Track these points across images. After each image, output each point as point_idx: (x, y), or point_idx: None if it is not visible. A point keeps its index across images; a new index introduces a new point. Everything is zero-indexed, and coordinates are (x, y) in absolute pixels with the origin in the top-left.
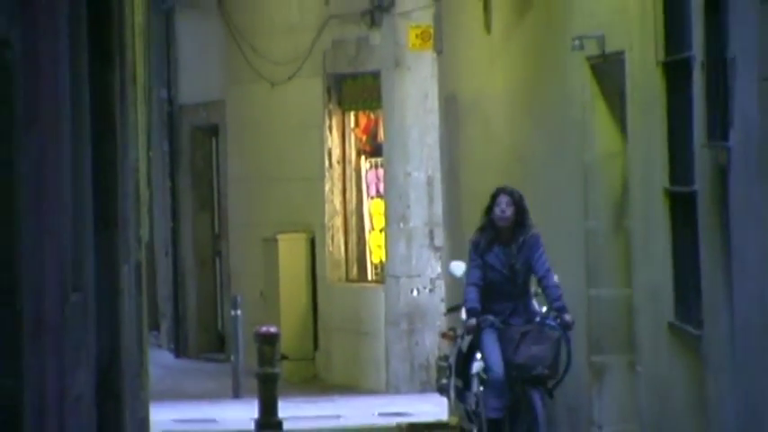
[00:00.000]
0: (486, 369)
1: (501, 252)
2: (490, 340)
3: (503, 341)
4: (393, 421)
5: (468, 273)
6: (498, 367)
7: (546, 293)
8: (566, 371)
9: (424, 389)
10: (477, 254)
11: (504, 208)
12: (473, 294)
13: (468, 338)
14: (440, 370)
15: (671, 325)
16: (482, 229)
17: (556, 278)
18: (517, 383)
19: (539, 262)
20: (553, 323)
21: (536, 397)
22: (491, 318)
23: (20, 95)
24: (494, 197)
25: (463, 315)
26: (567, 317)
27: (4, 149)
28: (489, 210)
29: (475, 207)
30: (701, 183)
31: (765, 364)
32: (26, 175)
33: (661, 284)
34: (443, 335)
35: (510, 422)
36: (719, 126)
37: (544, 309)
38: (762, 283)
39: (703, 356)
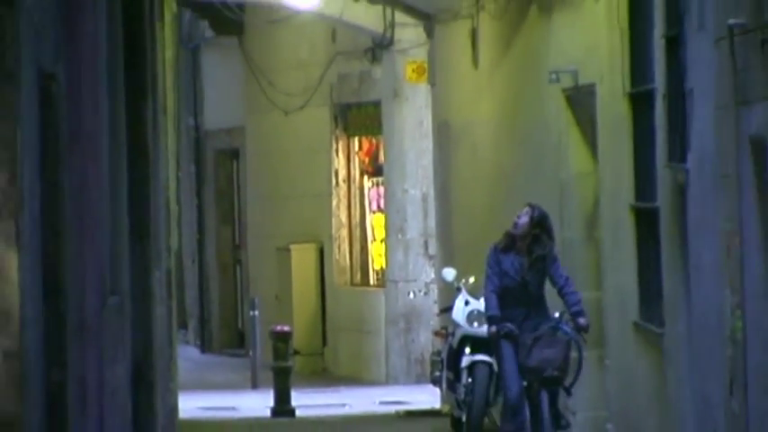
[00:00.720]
0: (502, 386)
1: (515, 260)
2: (509, 356)
3: (518, 347)
4: (392, 409)
5: (486, 280)
6: (513, 389)
7: (565, 300)
8: (579, 370)
9: (419, 380)
10: (494, 260)
11: (522, 216)
12: (493, 302)
13: (458, 335)
14: (433, 364)
15: (636, 324)
16: (504, 236)
17: (574, 286)
18: (532, 385)
19: (556, 273)
20: (566, 327)
21: (544, 398)
22: (509, 325)
23: (64, 123)
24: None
25: (450, 317)
26: (582, 320)
27: (51, 170)
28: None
29: (464, 220)
30: (663, 199)
31: (717, 358)
32: (70, 192)
33: (627, 288)
34: (436, 333)
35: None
36: (679, 149)
37: (557, 314)
38: (715, 287)
39: (664, 351)
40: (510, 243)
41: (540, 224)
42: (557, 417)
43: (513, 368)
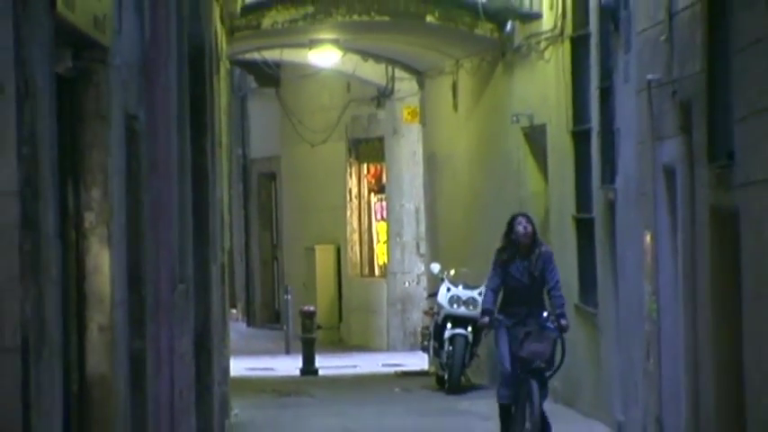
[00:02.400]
0: (499, 363)
1: (521, 264)
2: (503, 340)
3: (511, 338)
4: (392, 370)
5: (489, 279)
6: (508, 363)
7: (552, 301)
8: (560, 364)
9: (412, 348)
10: (500, 265)
11: (526, 225)
12: (489, 297)
13: (442, 314)
14: (423, 336)
15: (576, 306)
16: (504, 247)
17: (561, 291)
18: (521, 373)
19: (551, 274)
20: (551, 326)
21: (534, 385)
22: (500, 317)
23: (144, 153)
24: (511, 221)
25: (436, 300)
26: (564, 321)
27: (133, 188)
28: (509, 231)
29: (446, 227)
30: (597, 212)
31: (638, 332)
32: (148, 205)
33: (570, 279)
34: (425, 312)
35: (515, 405)
36: (609, 174)
37: (545, 314)
38: (636, 279)
39: (598, 327)
40: (515, 250)
41: (534, 229)
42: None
43: (506, 348)
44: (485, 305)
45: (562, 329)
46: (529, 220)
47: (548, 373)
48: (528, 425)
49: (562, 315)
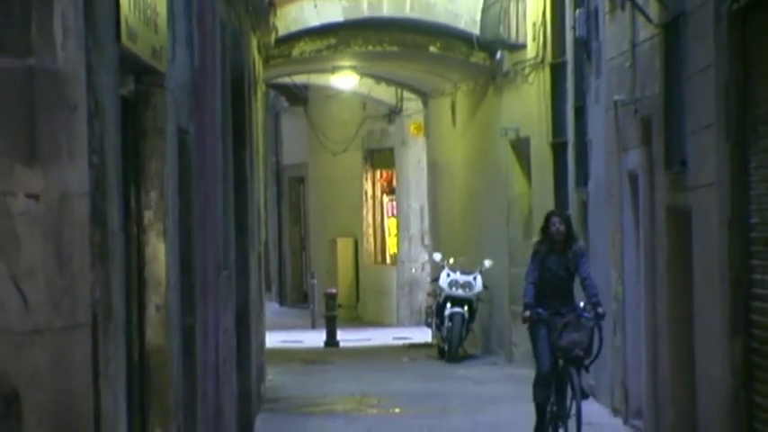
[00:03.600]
0: (537, 361)
1: (557, 259)
2: (542, 337)
3: (549, 329)
4: (401, 342)
5: (528, 273)
6: (546, 363)
7: (586, 292)
8: (598, 352)
9: (417, 324)
10: (538, 259)
11: (558, 226)
12: (530, 291)
13: (443, 295)
14: (427, 314)
15: None
16: (541, 242)
17: (594, 281)
18: (562, 363)
19: (583, 267)
20: (588, 315)
21: (573, 373)
22: (540, 311)
23: (194, 161)
24: (547, 219)
25: (438, 284)
26: (600, 309)
27: (185, 191)
28: (545, 228)
29: (446, 223)
30: (572, 210)
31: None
32: (197, 205)
33: None
34: (428, 294)
35: (557, 399)
36: (582, 179)
37: (581, 304)
38: (605, 265)
39: None
40: (551, 246)
41: (568, 227)
42: (582, 389)
43: (545, 346)
44: (527, 299)
45: (599, 317)
46: (563, 219)
47: (586, 361)
48: (571, 412)
49: (598, 303)
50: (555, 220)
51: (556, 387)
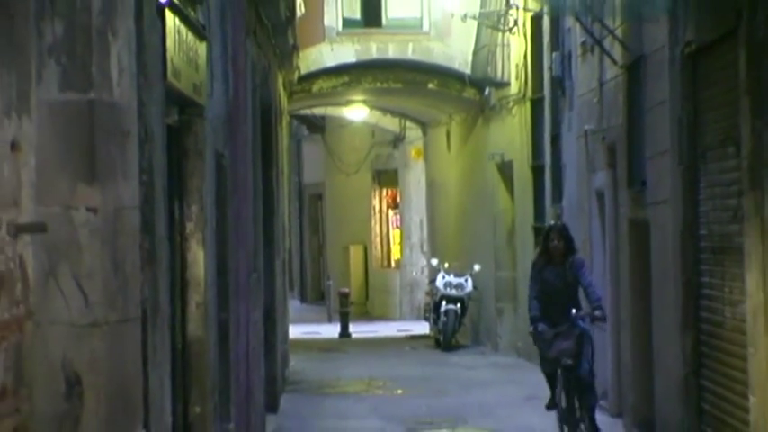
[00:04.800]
0: (540, 364)
1: (555, 271)
2: (543, 342)
3: (545, 341)
4: (404, 334)
5: (530, 288)
6: (547, 365)
7: (588, 297)
8: (592, 355)
9: (418, 319)
10: (536, 271)
11: (556, 242)
12: (534, 306)
13: (439, 294)
14: (425, 310)
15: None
16: (540, 254)
17: (596, 288)
18: (564, 378)
19: (583, 276)
20: (581, 322)
21: (573, 384)
22: (542, 325)
23: (228, 179)
24: (547, 233)
25: (435, 285)
26: (598, 312)
27: (221, 205)
28: (545, 241)
29: (442, 233)
30: (549, 222)
31: None
32: (231, 217)
33: (528, 270)
34: (427, 293)
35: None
36: (557, 196)
37: (573, 311)
38: None
39: None
40: (548, 259)
41: (567, 241)
42: (592, 404)
43: (544, 358)
44: (533, 312)
45: (595, 319)
46: (561, 234)
47: (582, 372)
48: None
49: (598, 307)
50: (553, 236)
51: (565, 392)
